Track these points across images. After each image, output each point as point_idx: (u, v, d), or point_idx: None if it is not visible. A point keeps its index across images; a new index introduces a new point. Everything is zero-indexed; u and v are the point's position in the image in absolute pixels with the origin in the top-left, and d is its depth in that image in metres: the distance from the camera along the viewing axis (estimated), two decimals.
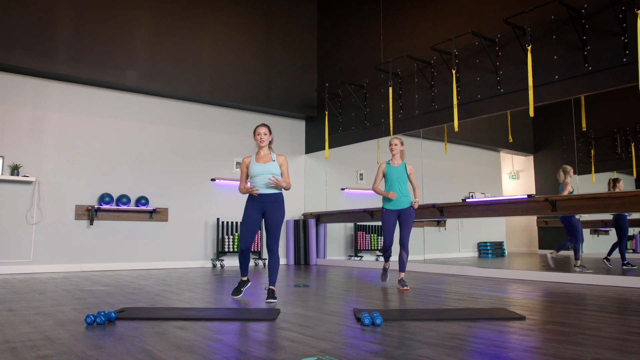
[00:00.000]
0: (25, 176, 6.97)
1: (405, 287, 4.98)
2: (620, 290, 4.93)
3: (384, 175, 5.34)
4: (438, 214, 7.25)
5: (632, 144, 7.63)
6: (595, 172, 7.83)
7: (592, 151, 7.89)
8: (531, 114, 5.68)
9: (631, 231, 8.58)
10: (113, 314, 3.18)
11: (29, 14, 7.01)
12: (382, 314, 3.32)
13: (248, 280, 4.53)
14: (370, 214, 8.40)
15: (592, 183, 7.78)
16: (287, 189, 4.37)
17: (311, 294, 4.72)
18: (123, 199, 7.71)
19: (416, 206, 5.25)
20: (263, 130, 4.39)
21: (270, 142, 4.44)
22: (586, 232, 7.91)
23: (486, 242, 9.94)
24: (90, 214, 7.42)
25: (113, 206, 7.62)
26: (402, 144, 5.34)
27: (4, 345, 2.50)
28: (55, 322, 3.16)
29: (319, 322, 3.21)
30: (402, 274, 5.13)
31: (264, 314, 3.43)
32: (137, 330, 2.91)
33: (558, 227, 9.96)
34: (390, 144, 5.32)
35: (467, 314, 3.46)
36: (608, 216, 8.04)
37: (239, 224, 8.76)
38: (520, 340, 2.64)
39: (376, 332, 2.88)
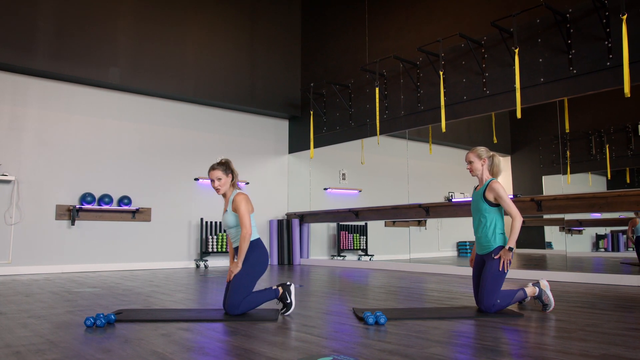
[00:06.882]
0: (3, 175, 6.75)
1: None
2: (604, 287, 5.07)
3: None
4: (424, 213, 7.33)
5: (607, 146, 7.85)
6: (571, 172, 8.03)
7: (568, 152, 8.09)
8: (518, 115, 5.80)
9: (603, 230, 8.85)
10: (112, 316, 3.11)
11: (8, 7, 6.80)
12: (384, 313, 3.33)
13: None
14: (355, 213, 8.43)
15: (568, 184, 7.97)
16: (244, 240, 3.38)
17: (304, 294, 4.70)
18: (105, 198, 7.55)
19: (505, 257, 3.39)
20: (214, 174, 3.43)
21: (233, 180, 3.50)
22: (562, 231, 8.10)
23: (465, 242, 10.10)
24: (72, 214, 7.24)
25: (95, 206, 7.45)
26: (480, 156, 3.62)
27: (6, 350, 2.42)
28: (53, 325, 3.08)
29: (321, 322, 3.21)
30: None
31: (265, 315, 3.40)
32: (140, 332, 2.86)
33: (536, 226, 10.21)
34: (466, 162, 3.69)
35: (466, 312, 3.50)
36: (588, 216, 8.26)
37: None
38: (526, 337, 2.69)
39: (382, 331, 2.90)
